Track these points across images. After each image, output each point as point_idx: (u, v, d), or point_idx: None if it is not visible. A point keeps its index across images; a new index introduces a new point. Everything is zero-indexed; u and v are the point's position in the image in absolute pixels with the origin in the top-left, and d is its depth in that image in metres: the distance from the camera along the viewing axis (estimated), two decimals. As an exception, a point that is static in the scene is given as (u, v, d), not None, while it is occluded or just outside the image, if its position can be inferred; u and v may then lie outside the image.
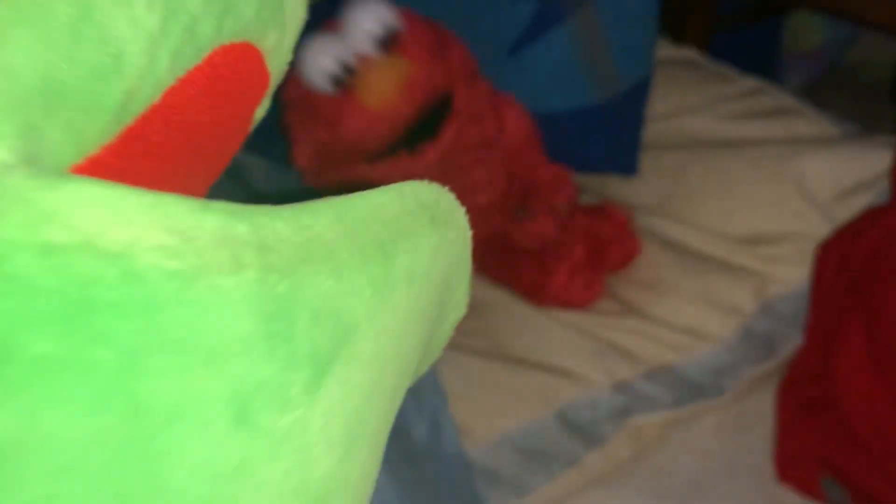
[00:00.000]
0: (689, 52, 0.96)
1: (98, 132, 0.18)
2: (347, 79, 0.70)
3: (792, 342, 0.77)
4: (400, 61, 0.72)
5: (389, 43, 0.71)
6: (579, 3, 0.81)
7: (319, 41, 0.70)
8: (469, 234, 0.19)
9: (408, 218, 0.18)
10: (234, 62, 0.20)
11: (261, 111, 0.21)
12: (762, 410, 0.76)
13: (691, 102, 0.90)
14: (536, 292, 0.78)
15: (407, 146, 0.74)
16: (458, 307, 0.20)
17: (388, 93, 0.71)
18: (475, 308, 0.76)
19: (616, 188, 0.86)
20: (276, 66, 0.22)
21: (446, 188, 0.19)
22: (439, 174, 0.75)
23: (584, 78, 0.83)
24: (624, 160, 0.86)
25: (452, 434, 0.67)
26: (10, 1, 0.16)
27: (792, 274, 0.79)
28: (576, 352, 0.73)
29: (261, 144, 0.87)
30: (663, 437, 0.75)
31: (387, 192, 0.18)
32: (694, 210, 0.82)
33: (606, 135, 0.85)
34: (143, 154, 0.19)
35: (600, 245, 0.79)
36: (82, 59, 0.17)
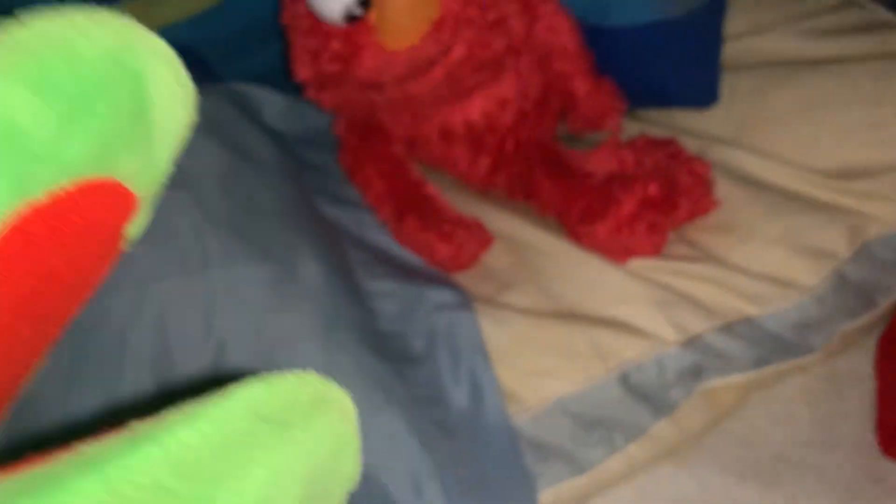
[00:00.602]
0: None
1: None
2: (362, 14, 0.59)
3: (894, 292, 0.66)
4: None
5: None
6: None
7: None
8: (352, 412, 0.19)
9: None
10: (72, 202, 0.19)
11: (135, 227, 0.21)
12: (859, 371, 0.65)
13: (768, 19, 0.77)
14: (588, 223, 0.65)
15: None
16: (347, 481, 0.19)
17: (411, 34, 0.61)
18: (516, 253, 0.66)
19: (684, 116, 0.75)
20: (147, 182, 0.22)
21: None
22: (449, 90, 0.65)
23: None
24: (700, 87, 0.74)
25: (496, 400, 0.57)
26: None
27: (893, 212, 0.67)
28: (638, 303, 0.63)
29: (275, 78, 0.78)
30: (742, 403, 0.65)
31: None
32: (775, 140, 0.71)
33: (678, 56, 0.73)
34: None
35: (673, 193, 0.67)
36: None
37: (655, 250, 0.66)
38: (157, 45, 0.22)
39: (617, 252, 0.66)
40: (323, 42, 0.62)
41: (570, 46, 0.72)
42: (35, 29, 0.19)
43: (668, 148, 0.71)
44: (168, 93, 0.22)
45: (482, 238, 0.69)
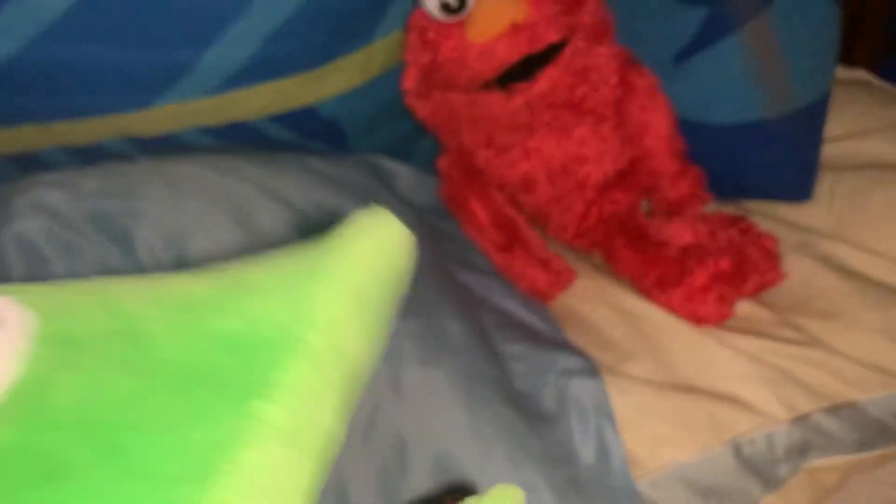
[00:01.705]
0: (861, 74, 0.89)
1: None
2: (458, 7, 0.68)
3: None
4: (518, 4, 0.69)
5: None
6: (753, 13, 0.76)
7: None
8: None
9: None
10: None
11: None
12: (959, 461, 0.68)
13: (868, 125, 0.83)
14: (663, 290, 0.72)
15: (502, 82, 0.71)
16: None
17: (490, 29, 0.68)
18: (630, 324, 0.71)
19: (786, 210, 0.80)
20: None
21: None
22: (526, 120, 0.71)
23: (753, 91, 0.77)
24: (796, 182, 0.80)
25: (621, 461, 0.61)
26: None
27: None
28: (751, 381, 0.67)
29: (403, 153, 0.85)
30: (844, 484, 0.68)
31: None
32: (876, 237, 0.75)
33: (776, 153, 0.79)
34: None
35: (743, 267, 0.73)
36: None
37: (723, 318, 0.72)
38: (406, 236, 0.26)
39: (688, 318, 0.72)
40: (422, 33, 0.72)
41: (661, 127, 0.78)
42: (355, 264, 0.23)
43: (740, 223, 0.77)
44: (408, 271, 0.26)
45: (571, 271, 0.78)
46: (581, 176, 0.77)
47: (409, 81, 0.76)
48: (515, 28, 0.68)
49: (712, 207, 0.82)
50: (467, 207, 0.79)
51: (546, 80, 0.70)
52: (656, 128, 0.77)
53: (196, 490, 0.19)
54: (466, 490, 0.29)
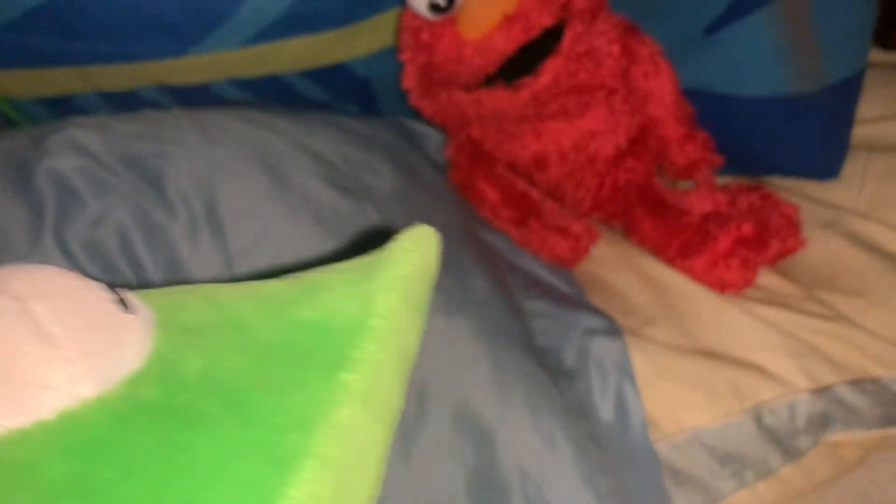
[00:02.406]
0: (896, 57, 0.89)
1: None
2: (446, 6, 0.67)
3: None
4: None
5: None
6: (788, -13, 0.76)
7: None
8: None
9: None
10: None
11: None
12: (983, 442, 0.67)
13: (904, 107, 0.82)
14: (686, 258, 0.72)
15: (506, 77, 0.70)
16: None
17: (483, 24, 0.67)
18: (653, 290, 0.71)
19: (815, 188, 0.79)
20: None
21: None
22: (534, 111, 0.71)
23: (784, 65, 0.77)
24: (824, 160, 0.79)
25: (640, 421, 0.61)
26: None
27: None
28: (774, 350, 0.66)
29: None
30: (865, 460, 0.67)
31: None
32: (907, 218, 0.75)
33: (805, 128, 0.78)
34: None
35: (765, 233, 0.73)
36: None
37: (747, 284, 0.72)
38: (438, 244, 0.32)
39: (713, 285, 0.71)
40: (415, 34, 0.71)
41: (665, 94, 0.77)
42: (409, 268, 0.29)
43: (760, 190, 0.77)
44: (436, 273, 0.32)
45: (592, 232, 0.77)
46: (592, 150, 0.76)
47: (410, 81, 0.75)
48: (508, 19, 0.67)
49: (734, 181, 0.82)
50: (477, 189, 0.78)
51: (550, 71, 0.70)
52: (661, 94, 0.77)
53: (302, 436, 0.24)
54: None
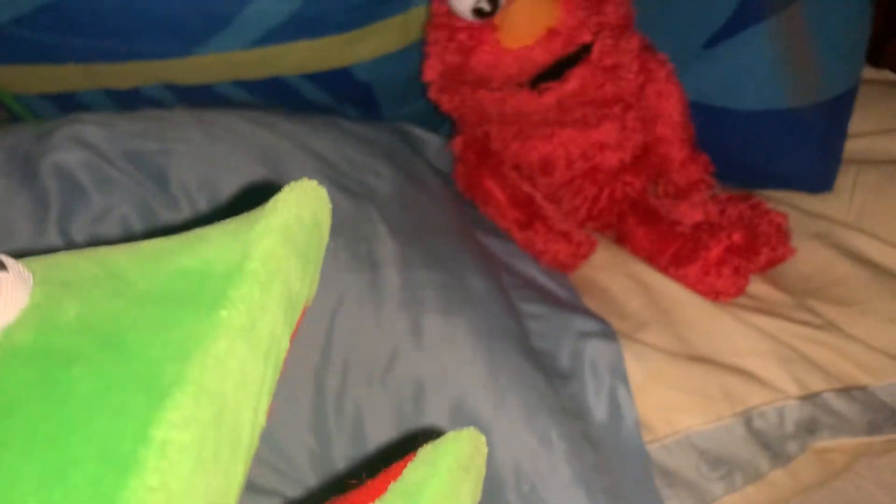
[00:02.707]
0: (889, 75, 0.91)
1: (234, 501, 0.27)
2: (491, 11, 0.68)
3: None
4: (548, 5, 0.69)
5: None
6: (786, 3, 0.77)
7: None
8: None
9: None
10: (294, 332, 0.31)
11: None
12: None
13: (893, 124, 0.84)
14: (679, 266, 0.74)
15: (533, 81, 0.71)
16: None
17: (526, 36, 0.69)
18: (647, 295, 0.72)
19: (806, 199, 0.81)
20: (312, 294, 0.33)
21: None
22: (556, 116, 0.72)
23: (781, 80, 0.79)
24: (818, 173, 0.81)
25: (633, 422, 0.62)
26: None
27: None
28: (764, 356, 0.68)
29: (432, 124, 0.86)
30: (851, 466, 0.68)
31: None
32: (894, 230, 0.76)
33: (800, 142, 0.80)
34: None
35: (755, 241, 0.74)
36: (225, 461, 0.26)
37: (739, 291, 0.73)
38: (325, 198, 0.33)
39: (706, 293, 0.73)
40: (451, 33, 0.72)
41: (675, 114, 0.79)
42: (291, 215, 0.30)
43: (749, 199, 0.79)
44: (327, 228, 0.33)
45: (592, 240, 0.78)
46: (598, 161, 0.78)
47: (432, 73, 0.76)
48: (550, 34, 0.69)
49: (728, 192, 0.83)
50: (484, 188, 0.79)
51: (577, 79, 0.71)
52: (671, 115, 0.78)
53: (179, 367, 0.26)
54: (426, 437, 0.35)
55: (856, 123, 0.82)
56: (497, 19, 0.69)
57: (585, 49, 0.72)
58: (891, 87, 0.90)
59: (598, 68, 0.72)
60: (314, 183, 0.32)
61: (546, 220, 0.77)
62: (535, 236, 0.77)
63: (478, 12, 0.68)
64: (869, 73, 0.89)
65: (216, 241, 0.30)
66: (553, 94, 0.71)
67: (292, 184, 0.32)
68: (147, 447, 0.24)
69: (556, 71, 0.71)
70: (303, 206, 0.31)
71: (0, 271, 0.27)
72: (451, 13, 0.72)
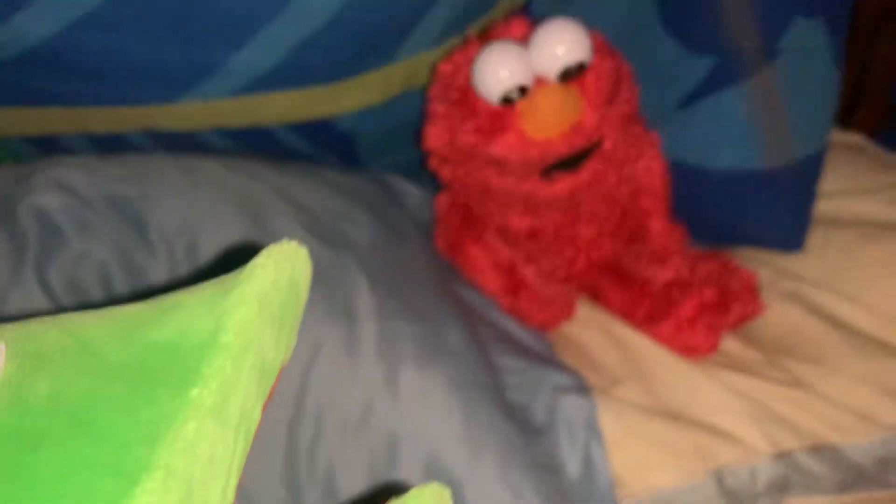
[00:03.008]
0: (857, 138, 0.93)
1: None
2: (518, 97, 0.68)
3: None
4: (575, 98, 0.69)
5: (573, 76, 0.69)
6: (758, 67, 0.80)
7: (503, 50, 0.68)
8: None
9: None
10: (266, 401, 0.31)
11: None
12: (935, 512, 0.69)
13: (862, 185, 0.86)
14: (652, 323, 0.75)
15: (546, 170, 0.72)
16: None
17: (553, 128, 0.69)
18: (622, 351, 0.73)
19: (778, 258, 0.82)
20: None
21: None
22: (563, 205, 0.73)
23: (753, 140, 0.81)
24: (789, 232, 0.82)
25: (607, 482, 0.62)
26: None
27: (973, 370, 0.73)
28: (736, 414, 0.68)
29: (412, 176, 0.87)
30: (822, 525, 0.69)
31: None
32: (865, 291, 0.78)
33: (772, 202, 0.81)
34: None
35: (726, 297, 0.76)
36: None
37: (712, 348, 0.74)
38: (305, 258, 0.33)
39: (679, 349, 0.74)
40: (469, 113, 0.70)
41: (659, 188, 0.81)
42: (267, 282, 0.30)
43: (718, 258, 0.80)
44: (306, 288, 0.33)
45: (571, 301, 0.79)
46: (580, 229, 0.79)
47: (436, 142, 0.74)
48: (576, 127, 0.69)
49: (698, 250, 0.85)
50: (467, 253, 0.79)
51: (589, 171, 0.72)
52: (657, 189, 0.80)
53: (148, 451, 0.26)
54: (396, 491, 0.35)
55: (825, 184, 0.84)
56: (520, 106, 0.68)
57: (599, 142, 0.72)
58: (858, 150, 0.92)
59: (611, 161, 0.74)
60: (294, 244, 0.32)
61: (530, 288, 0.78)
62: (519, 303, 0.77)
63: (506, 100, 0.68)
64: (837, 135, 0.91)
65: (190, 309, 0.30)
66: (566, 184, 0.72)
67: (271, 247, 0.31)
68: None
69: (570, 161, 0.71)
70: (280, 270, 0.31)
71: None
72: (467, 88, 0.70)
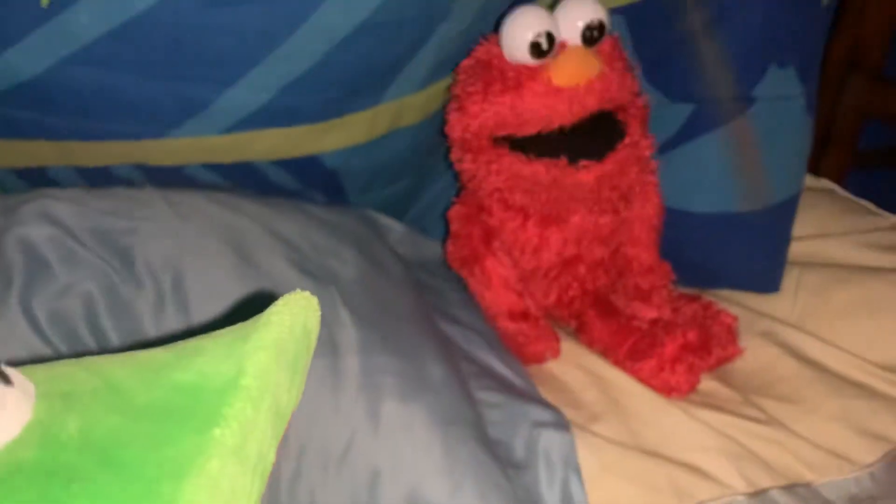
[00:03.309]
0: (826, 183, 0.96)
1: None
2: (547, 50, 0.72)
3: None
4: (595, 59, 0.74)
5: (594, 41, 0.74)
6: (735, 114, 0.83)
7: (532, 12, 0.73)
8: None
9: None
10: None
11: None
12: (908, 550, 0.70)
13: (832, 229, 0.89)
14: (635, 360, 0.76)
15: (573, 155, 0.74)
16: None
17: (577, 76, 0.73)
18: (601, 388, 0.74)
19: (753, 299, 0.84)
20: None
21: None
22: (586, 195, 0.74)
23: (731, 185, 0.83)
24: (766, 275, 0.85)
25: (585, 515, 0.62)
26: None
27: (941, 411, 0.75)
28: (713, 452, 0.69)
29: (396, 212, 0.88)
30: (797, 562, 0.69)
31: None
32: (836, 331, 0.80)
33: (749, 245, 0.84)
34: None
35: (708, 339, 0.78)
36: None
37: (692, 388, 0.76)
38: (316, 308, 0.35)
39: (659, 388, 0.75)
40: (498, 76, 0.74)
41: (655, 219, 0.83)
42: (283, 329, 0.32)
43: (700, 300, 0.83)
44: (315, 336, 0.35)
45: (557, 339, 0.81)
46: (583, 251, 0.81)
47: (459, 131, 0.78)
48: (598, 78, 0.73)
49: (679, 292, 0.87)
50: (484, 266, 0.80)
51: (612, 161, 0.75)
52: (652, 219, 0.83)
53: (175, 485, 0.27)
54: None
55: (797, 228, 0.87)
56: (547, 63, 0.73)
57: (619, 135, 0.76)
58: (828, 194, 0.95)
59: (632, 155, 0.77)
60: (307, 294, 0.34)
61: (532, 315, 0.79)
62: (527, 328, 0.79)
63: (535, 47, 0.72)
64: (808, 181, 0.94)
65: (211, 353, 0.31)
66: (592, 172, 0.74)
67: (287, 296, 0.33)
68: None
69: (596, 149, 0.75)
70: (295, 318, 0.33)
71: (5, 385, 0.28)
72: (492, 64, 0.74)
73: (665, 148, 0.84)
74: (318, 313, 0.34)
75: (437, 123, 0.84)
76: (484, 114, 0.75)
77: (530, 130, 0.74)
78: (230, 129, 0.76)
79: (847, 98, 1.05)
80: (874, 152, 1.11)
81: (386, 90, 0.80)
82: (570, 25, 0.73)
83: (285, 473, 0.59)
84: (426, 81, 0.80)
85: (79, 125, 0.74)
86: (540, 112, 0.73)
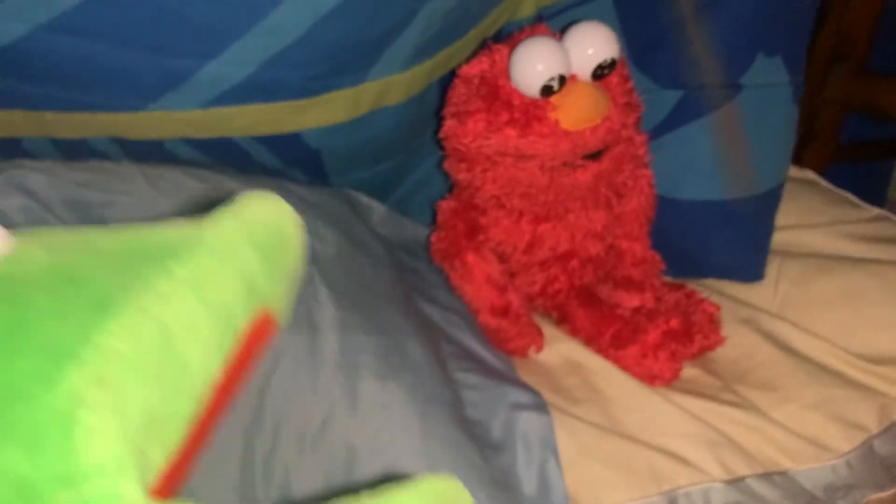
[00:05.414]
0: (809, 174, 0.96)
1: (178, 437, 0.29)
2: (557, 90, 0.70)
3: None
4: (603, 97, 0.72)
5: (604, 75, 0.72)
6: (722, 101, 0.82)
7: (544, 43, 0.70)
8: None
9: None
10: (257, 329, 0.33)
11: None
12: (881, 538, 0.70)
13: (814, 219, 0.89)
14: (618, 347, 0.76)
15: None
16: None
17: (586, 121, 0.71)
18: (581, 375, 0.74)
19: (735, 288, 0.84)
20: (281, 308, 0.35)
21: None
22: (584, 194, 0.73)
23: (717, 172, 0.83)
24: (750, 263, 0.84)
25: (562, 499, 0.62)
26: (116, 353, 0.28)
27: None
28: (691, 438, 0.69)
29: (378, 194, 0.88)
30: (772, 549, 0.69)
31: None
32: (817, 320, 0.80)
33: (734, 233, 0.84)
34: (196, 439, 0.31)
35: (690, 327, 0.78)
36: (168, 385, 0.29)
37: (674, 376, 0.76)
38: (290, 212, 0.36)
39: (642, 375, 0.75)
40: (504, 106, 0.71)
41: (648, 210, 0.83)
42: (250, 214, 0.33)
43: (683, 289, 0.83)
44: (296, 243, 0.36)
45: (541, 334, 0.80)
46: (577, 246, 0.80)
47: (470, 138, 0.74)
48: (605, 122, 0.71)
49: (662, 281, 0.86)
50: (465, 260, 0.79)
51: (609, 159, 0.74)
52: (643, 212, 0.82)
53: (128, 294, 0.29)
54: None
55: (778, 217, 0.87)
56: (556, 99, 0.70)
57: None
58: (810, 185, 0.95)
59: (627, 152, 0.76)
60: (278, 197, 0.35)
61: (514, 312, 0.79)
62: (507, 325, 0.78)
63: (546, 89, 0.70)
64: (791, 171, 0.94)
65: (179, 225, 0.34)
66: (589, 172, 0.73)
67: (252, 191, 0.34)
68: (87, 347, 0.27)
69: (594, 154, 0.73)
70: (265, 209, 0.34)
71: None
72: (498, 85, 0.72)
73: (653, 135, 0.84)
74: (295, 220, 0.35)
75: (420, 105, 0.83)
76: (486, 139, 0.73)
77: (530, 159, 0.73)
78: (211, 104, 0.74)
79: (830, 90, 1.05)
80: (856, 145, 1.11)
81: (370, 69, 0.79)
82: (582, 58, 0.71)
83: (260, 450, 0.59)
84: (411, 62, 0.79)
85: (56, 95, 0.72)
86: (543, 150, 0.71)
